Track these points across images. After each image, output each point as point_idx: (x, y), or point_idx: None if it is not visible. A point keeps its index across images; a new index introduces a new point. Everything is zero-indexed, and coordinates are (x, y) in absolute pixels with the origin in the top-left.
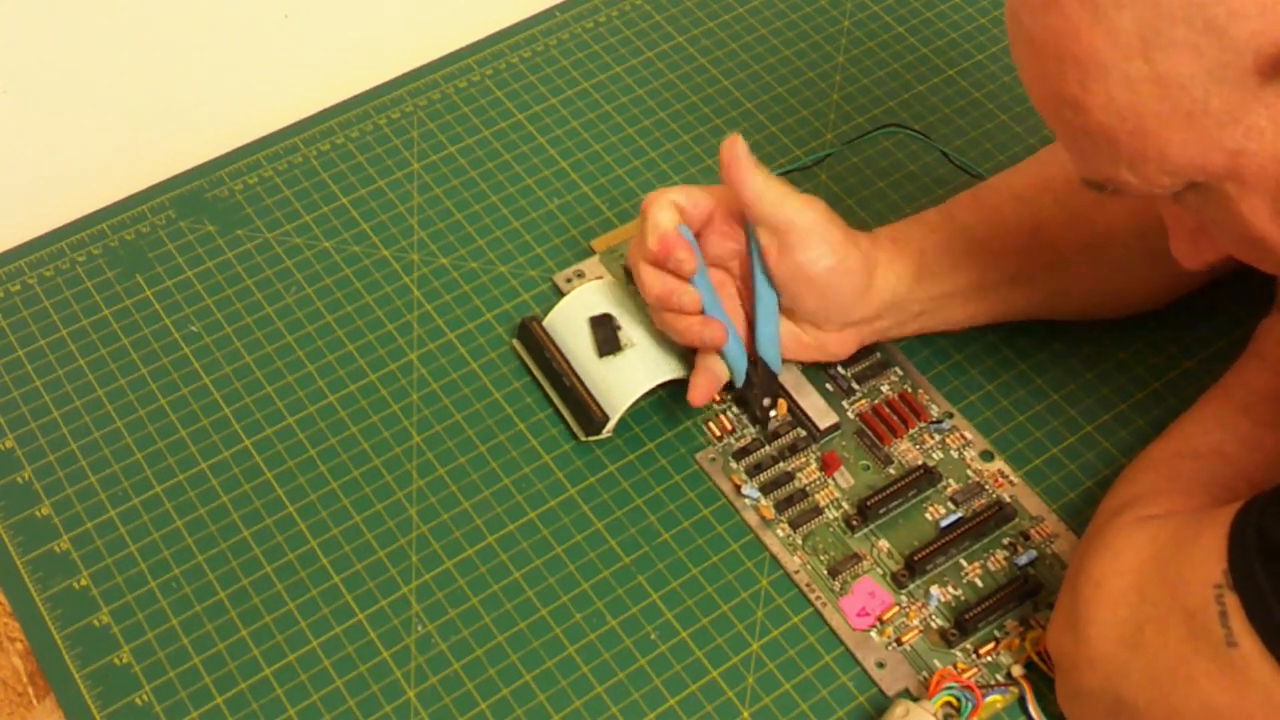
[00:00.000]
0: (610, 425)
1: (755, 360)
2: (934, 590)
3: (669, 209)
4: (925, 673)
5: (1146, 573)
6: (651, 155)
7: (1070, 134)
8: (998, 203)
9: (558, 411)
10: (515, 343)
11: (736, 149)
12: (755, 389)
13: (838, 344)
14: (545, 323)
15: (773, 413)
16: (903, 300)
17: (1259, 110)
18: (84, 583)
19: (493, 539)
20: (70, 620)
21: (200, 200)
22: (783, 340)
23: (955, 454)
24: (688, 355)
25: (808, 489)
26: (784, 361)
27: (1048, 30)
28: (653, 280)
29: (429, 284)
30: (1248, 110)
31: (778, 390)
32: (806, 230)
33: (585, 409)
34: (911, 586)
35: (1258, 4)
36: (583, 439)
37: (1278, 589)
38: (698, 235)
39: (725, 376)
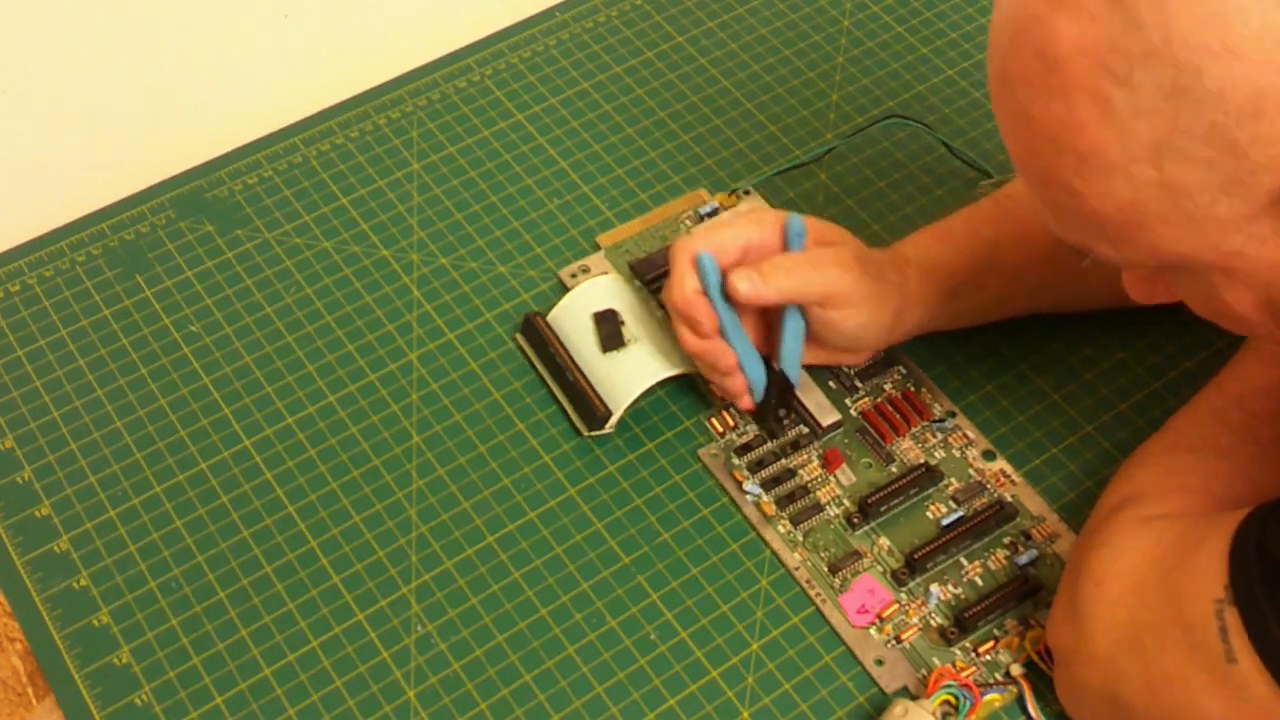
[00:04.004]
0: (613, 420)
1: (775, 372)
2: (934, 588)
3: (691, 269)
4: (924, 671)
5: (1147, 578)
6: (651, 155)
7: (1056, 208)
8: (1021, 213)
9: (560, 407)
10: (519, 337)
11: (744, 287)
12: (773, 401)
13: (855, 358)
14: (549, 318)
15: (786, 422)
16: (926, 325)
17: (1265, 221)
18: (84, 583)
19: (492, 539)
20: (70, 620)
21: (200, 200)
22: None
23: (957, 453)
24: None
25: (809, 486)
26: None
27: (1049, 116)
28: (688, 339)
29: (429, 284)
30: (1253, 220)
31: (793, 402)
32: (843, 297)
33: (588, 404)
34: (911, 584)
35: None
36: (585, 434)
37: (1278, 608)
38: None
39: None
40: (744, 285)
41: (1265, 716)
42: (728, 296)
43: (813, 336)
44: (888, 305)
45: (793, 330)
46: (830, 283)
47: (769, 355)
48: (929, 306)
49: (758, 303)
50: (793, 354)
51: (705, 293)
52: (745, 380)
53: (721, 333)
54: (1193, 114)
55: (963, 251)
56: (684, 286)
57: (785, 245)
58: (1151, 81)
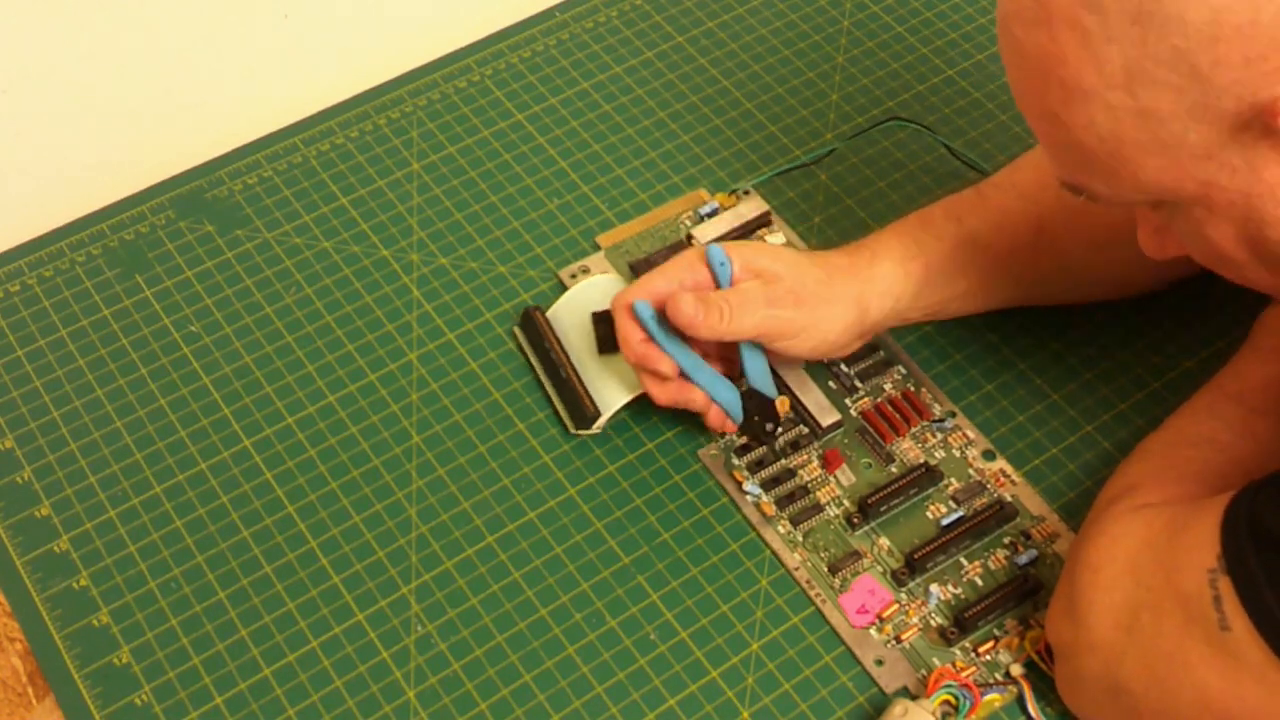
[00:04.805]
0: (600, 422)
1: (750, 392)
2: (934, 588)
3: (632, 321)
4: (924, 671)
5: (1141, 558)
6: (651, 155)
7: (1049, 141)
8: (1002, 202)
9: (551, 403)
10: (517, 330)
11: (698, 320)
12: (755, 416)
13: (838, 354)
14: (549, 314)
15: (778, 433)
16: (903, 313)
17: (1234, 149)
18: (83, 583)
19: (492, 539)
20: (70, 620)
21: (200, 200)
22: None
23: (957, 453)
24: None
25: (809, 486)
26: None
27: (1036, 47)
28: (655, 391)
29: (429, 284)
30: (1223, 148)
31: (776, 413)
32: (781, 332)
33: (578, 402)
34: (911, 584)
35: (1242, 55)
36: (572, 432)
37: (1270, 573)
38: None
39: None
40: (688, 312)
41: (1260, 684)
42: (679, 335)
43: (774, 357)
44: (838, 321)
45: (750, 348)
46: (761, 321)
47: (737, 377)
48: (900, 298)
49: (722, 334)
50: (758, 371)
51: (653, 340)
52: (720, 416)
53: (683, 373)
54: (1158, 38)
55: (942, 240)
56: (630, 340)
57: (714, 277)
58: (1118, 6)
